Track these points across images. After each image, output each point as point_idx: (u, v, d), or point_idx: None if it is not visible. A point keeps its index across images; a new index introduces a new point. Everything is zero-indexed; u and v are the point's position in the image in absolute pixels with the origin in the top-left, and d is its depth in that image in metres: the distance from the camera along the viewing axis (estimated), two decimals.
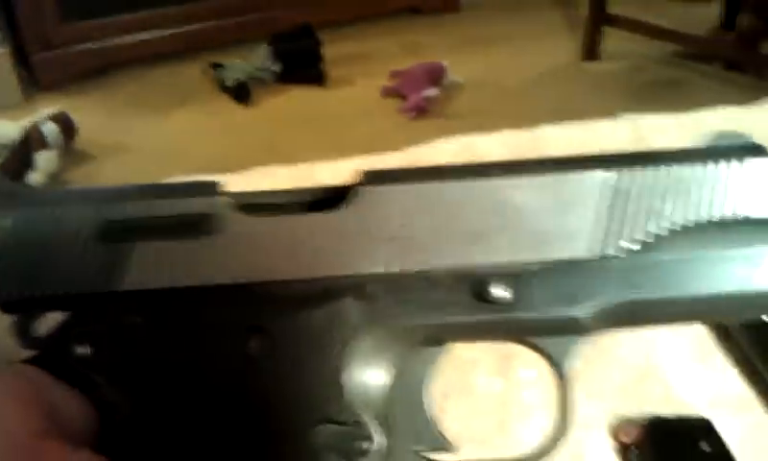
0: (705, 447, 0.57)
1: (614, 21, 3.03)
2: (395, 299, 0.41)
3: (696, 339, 0.69)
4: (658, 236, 0.40)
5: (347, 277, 0.41)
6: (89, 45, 3.00)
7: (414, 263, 0.41)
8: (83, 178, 2.50)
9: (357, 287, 0.41)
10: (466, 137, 0.92)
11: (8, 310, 0.41)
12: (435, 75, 2.91)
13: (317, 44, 3.04)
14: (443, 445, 0.43)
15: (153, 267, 0.40)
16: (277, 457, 0.40)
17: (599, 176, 0.41)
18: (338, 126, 2.75)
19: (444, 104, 2.88)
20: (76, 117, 2.60)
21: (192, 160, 2.37)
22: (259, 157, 1.02)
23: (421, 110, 2.79)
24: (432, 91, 2.85)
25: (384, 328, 0.41)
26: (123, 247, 0.40)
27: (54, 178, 2.46)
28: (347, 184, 0.42)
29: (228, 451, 0.40)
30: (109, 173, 2.48)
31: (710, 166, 0.41)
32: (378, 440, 0.40)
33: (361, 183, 0.42)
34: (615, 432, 0.60)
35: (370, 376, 0.41)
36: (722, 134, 0.43)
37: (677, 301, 0.41)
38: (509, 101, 2.84)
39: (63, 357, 0.40)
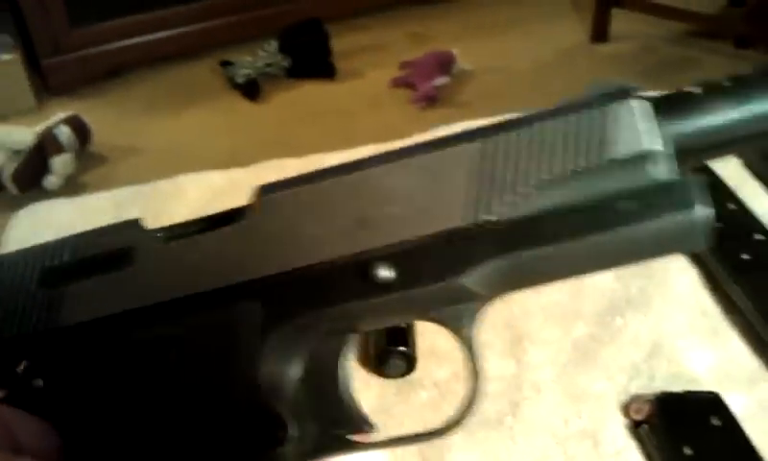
0: (715, 421, 0.58)
1: (623, 2, 3.01)
2: (293, 294, 0.43)
3: (703, 314, 0.70)
4: (527, 193, 0.41)
5: (248, 281, 0.44)
6: (98, 48, 3.01)
7: (304, 259, 0.43)
8: (98, 180, 2.52)
9: (258, 289, 0.43)
10: (466, 123, 0.93)
11: None
12: (445, 63, 2.90)
13: (325, 38, 3.03)
14: (362, 426, 0.45)
15: (86, 301, 0.45)
16: (200, 454, 0.43)
17: (463, 148, 0.43)
18: (349, 119, 2.75)
19: (454, 92, 2.87)
20: (88, 120, 2.61)
21: (205, 158, 2.38)
22: (271, 152, 1.03)
23: (432, 100, 2.79)
24: (442, 80, 2.84)
25: (289, 323, 0.43)
26: (60, 289, 0.45)
27: (70, 181, 2.49)
28: (249, 202, 0.46)
29: (161, 454, 0.44)
30: (124, 174, 2.50)
31: (572, 118, 0.42)
32: (295, 428, 0.43)
33: (258, 196, 0.45)
34: (626, 409, 0.61)
35: (284, 369, 0.44)
36: (595, 84, 0.44)
37: (561, 252, 0.41)
38: (519, 86, 2.83)
39: (25, 391, 0.44)
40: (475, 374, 0.44)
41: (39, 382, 0.44)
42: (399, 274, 0.42)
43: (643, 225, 0.40)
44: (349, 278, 0.43)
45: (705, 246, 0.41)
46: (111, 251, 0.46)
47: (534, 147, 0.42)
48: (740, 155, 0.87)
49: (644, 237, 0.40)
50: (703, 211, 0.40)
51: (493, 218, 0.42)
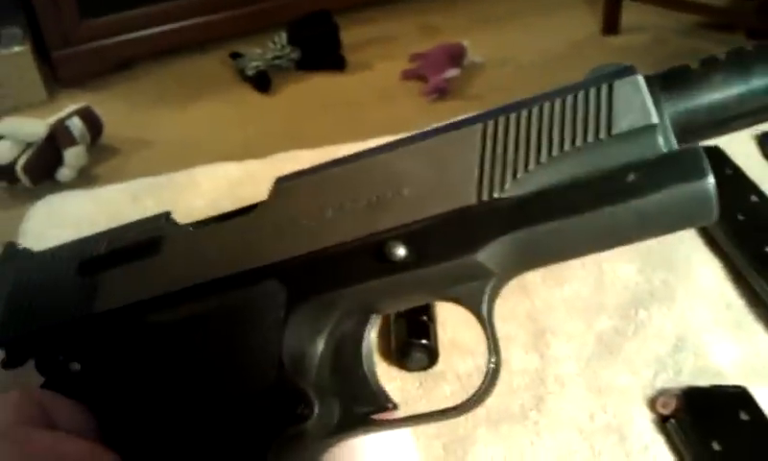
0: (743, 415, 0.57)
1: None
2: (313, 275, 0.44)
3: (727, 307, 0.69)
4: (536, 170, 0.42)
5: (269, 265, 0.45)
6: (109, 40, 3.00)
7: (320, 241, 0.45)
8: (111, 172, 2.52)
9: (279, 271, 0.45)
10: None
11: (9, 349, 0.49)
12: (455, 56, 2.89)
13: (335, 29, 3.03)
14: (384, 404, 0.45)
15: (119, 288, 0.48)
16: (225, 429, 0.44)
17: (473, 129, 0.44)
18: (359, 111, 2.74)
19: (464, 84, 2.86)
20: (99, 112, 2.61)
21: (216, 150, 2.37)
22: (282, 144, 1.02)
23: (443, 92, 2.78)
24: (453, 72, 2.83)
25: (309, 303, 0.44)
26: (96, 278, 0.49)
27: (83, 172, 2.49)
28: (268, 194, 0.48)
29: (188, 430, 0.45)
30: (136, 166, 2.50)
31: (577, 96, 0.43)
32: (319, 405, 0.43)
33: (275, 186, 0.47)
34: (653, 404, 0.61)
35: (307, 347, 0.45)
36: (597, 67, 0.45)
37: (572, 226, 0.41)
38: (530, 78, 2.81)
39: (63, 376, 0.47)
40: (494, 351, 0.44)
41: (76, 366, 0.47)
42: (414, 252, 0.43)
43: (653, 196, 0.40)
44: (365, 258, 0.44)
45: (716, 217, 0.40)
46: (142, 241, 0.48)
47: (542, 125, 0.43)
48: (761, 147, 0.86)
49: (656, 209, 0.40)
50: (712, 180, 0.40)
51: (505, 195, 0.42)
